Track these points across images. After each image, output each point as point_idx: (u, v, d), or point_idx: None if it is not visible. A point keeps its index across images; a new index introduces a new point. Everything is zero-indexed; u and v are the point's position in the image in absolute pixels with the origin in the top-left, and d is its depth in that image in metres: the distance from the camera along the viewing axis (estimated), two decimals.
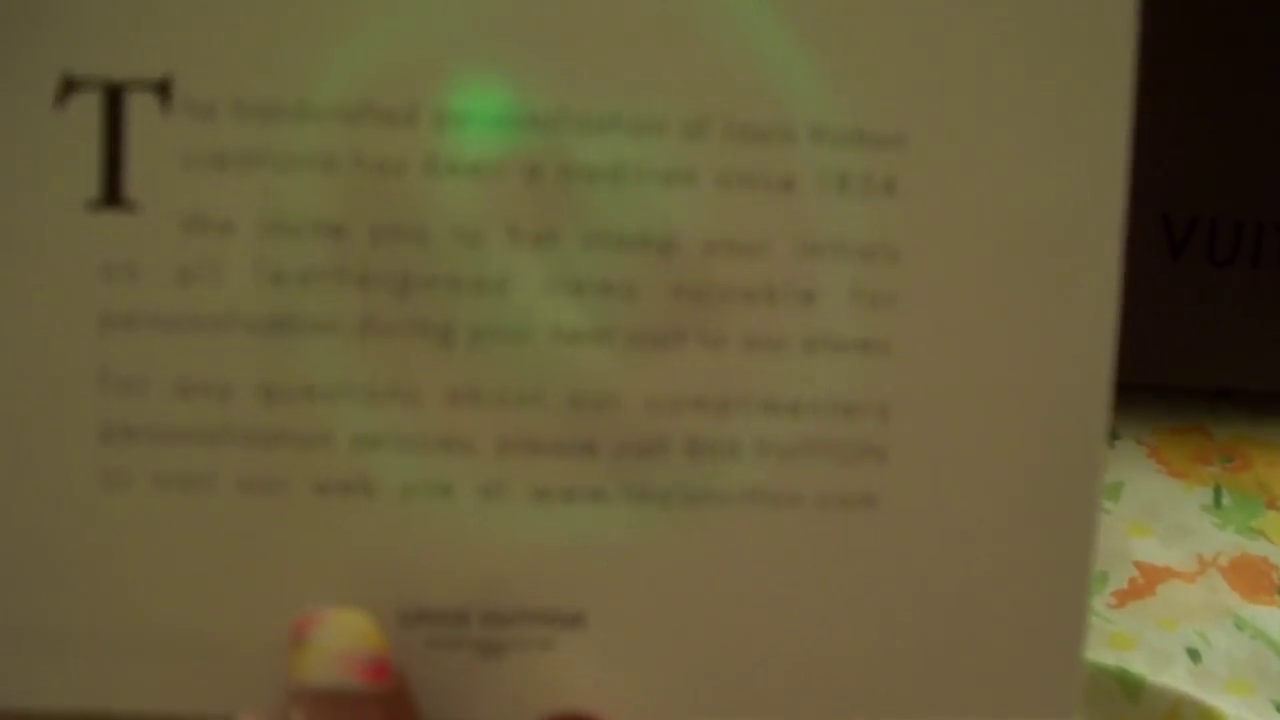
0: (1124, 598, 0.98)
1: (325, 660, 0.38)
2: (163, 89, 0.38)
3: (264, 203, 0.38)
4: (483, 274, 0.39)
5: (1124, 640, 0.94)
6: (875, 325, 0.39)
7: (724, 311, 0.39)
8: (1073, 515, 0.41)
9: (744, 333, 0.39)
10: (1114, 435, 1.12)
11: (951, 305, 0.40)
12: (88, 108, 0.38)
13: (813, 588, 0.40)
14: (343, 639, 0.38)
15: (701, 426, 0.39)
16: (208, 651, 0.39)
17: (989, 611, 0.41)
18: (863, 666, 0.41)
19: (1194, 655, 0.92)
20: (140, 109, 0.38)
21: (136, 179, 0.38)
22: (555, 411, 0.39)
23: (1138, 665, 0.92)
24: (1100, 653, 0.92)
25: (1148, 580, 0.99)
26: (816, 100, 0.39)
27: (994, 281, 0.40)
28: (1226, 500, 1.06)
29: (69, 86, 0.38)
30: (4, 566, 0.39)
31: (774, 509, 0.40)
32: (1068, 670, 0.41)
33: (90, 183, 0.38)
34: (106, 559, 0.39)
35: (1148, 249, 1.12)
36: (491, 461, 0.39)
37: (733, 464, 0.40)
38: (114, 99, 0.38)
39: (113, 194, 0.38)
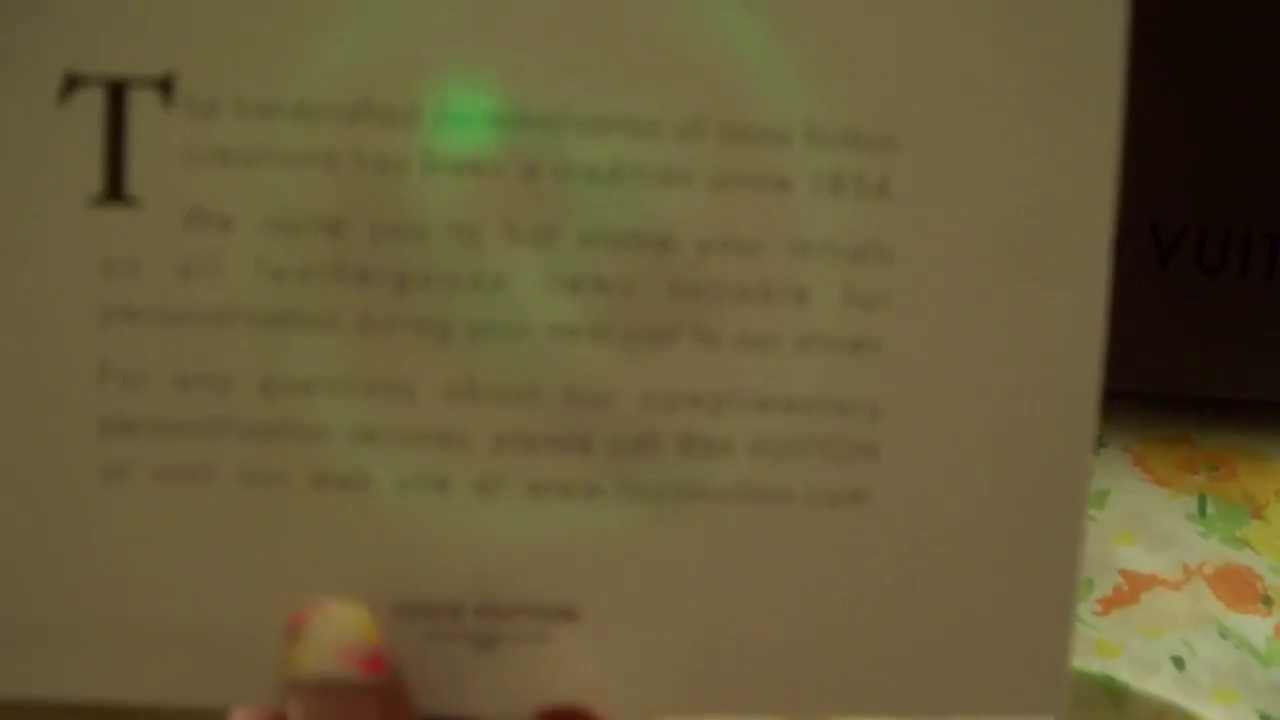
0: (1109, 605, 0.98)
1: (321, 652, 0.38)
2: (165, 86, 0.38)
3: (264, 199, 0.39)
4: (480, 271, 0.39)
5: (1109, 648, 0.94)
6: (867, 325, 0.40)
7: (718, 310, 0.40)
8: (1060, 514, 0.41)
9: (737, 331, 0.40)
10: (1100, 443, 1.13)
11: (942, 306, 0.40)
12: (90, 105, 0.38)
13: (803, 584, 0.41)
14: (339, 631, 0.38)
15: (695, 423, 0.40)
16: (205, 644, 0.40)
17: (976, 609, 0.41)
18: (852, 662, 0.41)
19: (1178, 663, 0.93)
20: (142, 106, 0.38)
21: (138, 175, 0.38)
22: (551, 408, 0.39)
23: (1122, 673, 0.92)
24: (1085, 660, 0.92)
25: (1133, 588, 1.00)
26: (810, 102, 0.39)
27: (985, 282, 0.40)
28: (1211, 509, 1.06)
29: (72, 83, 0.38)
30: (4, 559, 0.39)
31: (765, 505, 0.40)
32: (1055, 668, 0.42)
33: (92, 179, 0.38)
34: (106, 552, 0.39)
35: (1136, 257, 1.12)
36: (487, 457, 0.40)
37: (725, 460, 0.40)
38: (116, 96, 0.38)
39: (115, 190, 0.38)
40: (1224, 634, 0.96)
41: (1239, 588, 1.01)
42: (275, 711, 0.41)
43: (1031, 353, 0.40)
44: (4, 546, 0.39)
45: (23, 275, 0.38)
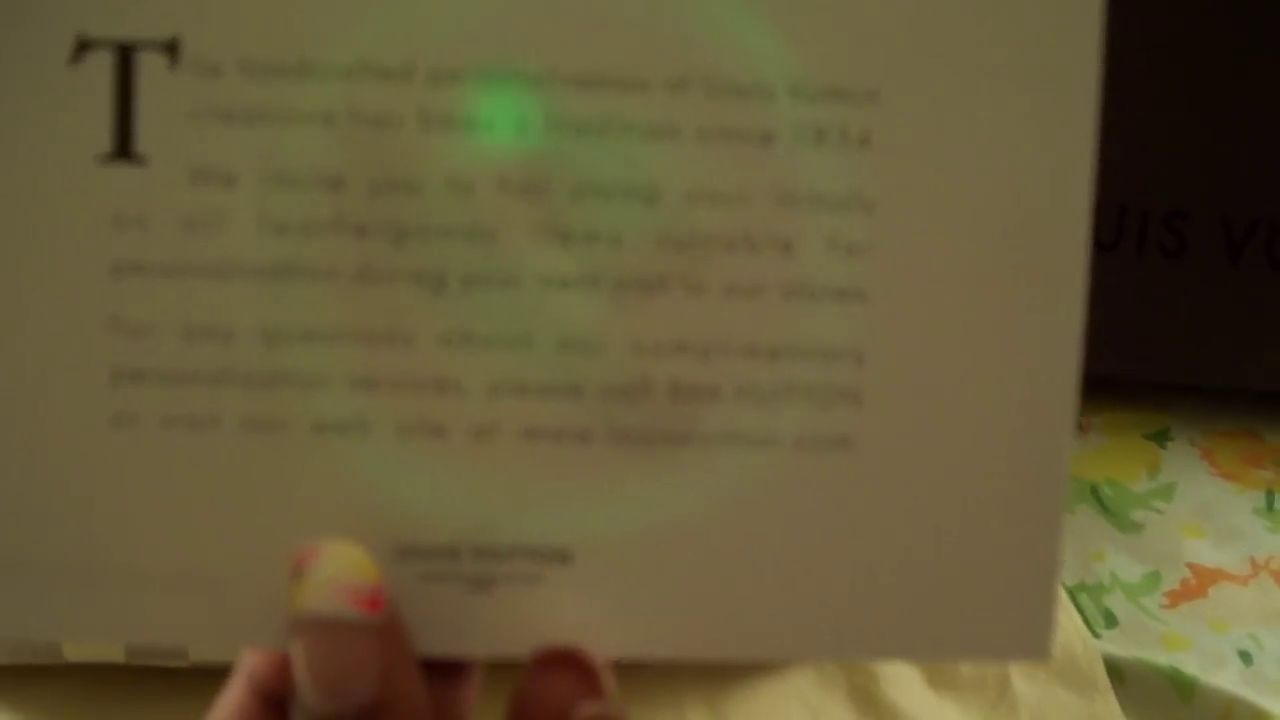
0: (1176, 598, 0.98)
1: (322, 590, 0.39)
2: (171, 48, 0.40)
3: (267, 156, 0.40)
4: (474, 224, 0.40)
5: (1176, 641, 0.94)
6: (851, 274, 0.41)
7: (705, 260, 0.41)
8: (1044, 459, 0.42)
9: (725, 280, 0.41)
10: (1167, 436, 1.13)
11: (925, 255, 0.41)
12: (100, 67, 0.40)
13: (790, 527, 0.42)
14: (339, 570, 0.40)
15: (684, 370, 0.41)
16: (210, 587, 0.41)
17: (962, 554, 0.42)
18: (840, 605, 0.42)
19: (1246, 658, 0.92)
20: (150, 68, 0.40)
21: (146, 134, 0.40)
22: (543, 356, 0.41)
23: (1190, 666, 0.92)
24: (1153, 653, 0.92)
25: (1200, 582, 0.99)
26: (793, 59, 0.40)
27: (966, 232, 0.41)
28: (1279, 504, 1.05)
29: (83, 46, 0.40)
30: (18, 503, 0.41)
31: (752, 450, 0.41)
32: (1041, 612, 0.42)
33: (102, 137, 0.40)
34: (115, 497, 0.41)
35: (1207, 251, 1.12)
36: (482, 404, 0.41)
37: (713, 406, 0.41)
38: (125, 58, 0.40)
39: (123, 148, 0.40)
40: None
41: None
42: (282, 653, 0.42)
43: (1014, 301, 0.41)
44: (19, 492, 0.41)
45: (37, 231, 0.40)
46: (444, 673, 0.43)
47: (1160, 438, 1.15)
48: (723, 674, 0.90)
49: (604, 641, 0.41)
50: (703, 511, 0.41)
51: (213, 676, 0.77)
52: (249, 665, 0.44)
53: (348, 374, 0.40)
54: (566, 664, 0.41)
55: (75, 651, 0.83)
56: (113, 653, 0.84)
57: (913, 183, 0.41)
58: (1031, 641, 0.43)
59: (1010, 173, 0.41)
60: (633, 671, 0.86)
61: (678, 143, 0.40)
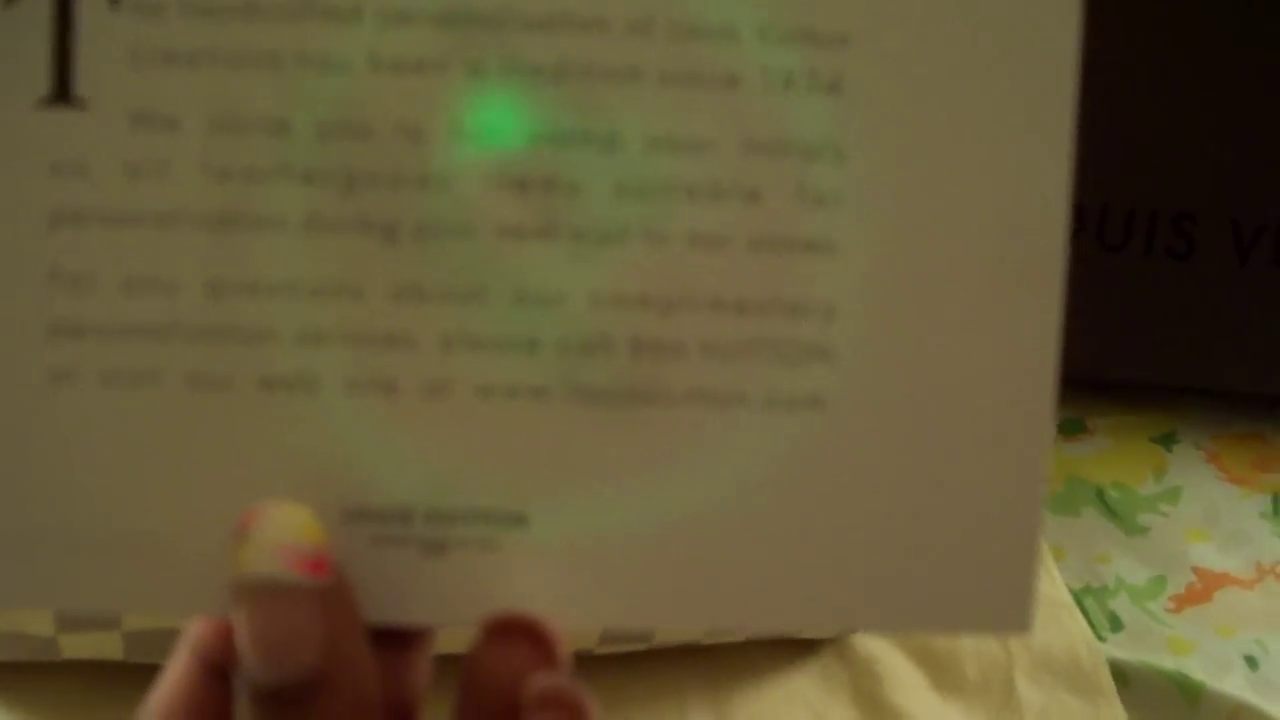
0: (1181, 603, 0.98)
1: (264, 553, 0.38)
2: None
3: (211, 100, 0.39)
4: (426, 171, 0.39)
5: (1182, 645, 0.93)
6: (821, 224, 0.39)
7: (668, 209, 0.39)
8: (1025, 424, 0.40)
9: (688, 231, 0.39)
10: (1173, 439, 1.12)
11: (899, 206, 0.39)
12: (38, 6, 0.38)
13: (759, 491, 0.40)
14: (282, 532, 0.38)
15: (645, 325, 0.39)
16: (152, 550, 0.39)
17: (941, 520, 0.40)
18: (811, 573, 0.40)
19: (1251, 663, 0.92)
20: (90, 7, 0.38)
21: (86, 77, 0.39)
22: (498, 309, 0.39)
23: (1196, 671, 0.91)
24: (1159, 657, 0.91)
25: (1206, 586, 0.99)
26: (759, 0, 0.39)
27: (941, 183, 0.39)
28: None
29: None
30: None
31: (719, 409, 0.40)
32: (1021, 584, 0.41)
33: (40, 80, 0.38)
34: (53, 457, 0.39)
35: (1215, 254, 1.11)
36: (435, 359, 0.39)
37: (677, 363, 0.39)
38: None
39: (63, 91, 0.39)
40: None
41: None
42: (226, 621, 0.41)
43: (992, 254, 0.39)
44: None
45: None
46: (394, 642, 0.42)
47: (1166, 441, 1.14)
48: (727, 675, 0.90)
49: (560, 609, 0.40)
50: (664, 474, 0.40)
51: None
52: (193, 635, 0.42)
53: (295, 328, 0.39)
54: (520, 633, 0.39)
55: (73, 648, 0.82)
56: (111, 650, 0.83)
57: (886, 131, 0.39)
58: (1012, 614, 0.41)
59: (988, 121, 0.39)
60: (636, 672, 0.86)
61: (639, 87, 0.39)
